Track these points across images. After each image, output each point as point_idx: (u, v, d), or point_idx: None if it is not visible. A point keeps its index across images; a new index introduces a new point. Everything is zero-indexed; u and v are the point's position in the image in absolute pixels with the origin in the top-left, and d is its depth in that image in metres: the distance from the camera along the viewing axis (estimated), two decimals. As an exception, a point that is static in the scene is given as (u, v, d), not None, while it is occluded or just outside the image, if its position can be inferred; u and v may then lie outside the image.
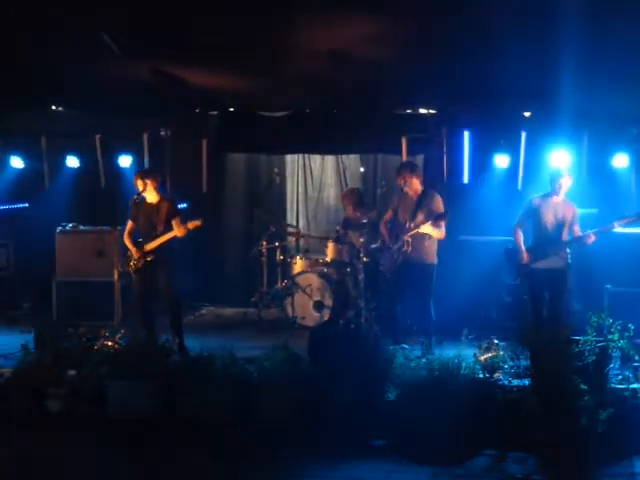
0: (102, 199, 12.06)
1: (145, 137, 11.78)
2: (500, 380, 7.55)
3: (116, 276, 10.90)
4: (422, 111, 11.33)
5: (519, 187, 10.78)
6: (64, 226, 11.50)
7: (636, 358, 7.40)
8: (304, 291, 10.93)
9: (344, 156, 13.11)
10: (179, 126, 11.87)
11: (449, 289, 9.86)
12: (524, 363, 7.45)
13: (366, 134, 11.39)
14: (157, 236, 9.04)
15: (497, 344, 8.04)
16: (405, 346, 8.77)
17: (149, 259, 9.08)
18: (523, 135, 10.75)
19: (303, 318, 10.86)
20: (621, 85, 8.85)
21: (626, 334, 7.16)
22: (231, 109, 11.78)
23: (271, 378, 7.56)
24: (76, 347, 8.30)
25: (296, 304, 10.95)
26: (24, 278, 12.23)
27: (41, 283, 11.55)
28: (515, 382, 7.45)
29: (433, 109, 11.22)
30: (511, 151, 10.88)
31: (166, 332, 9.05)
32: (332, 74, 9.11)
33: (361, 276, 9.93)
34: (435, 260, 9.23)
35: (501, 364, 7.69)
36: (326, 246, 11.18)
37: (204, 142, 12.00)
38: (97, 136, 11.80)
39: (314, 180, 13.41)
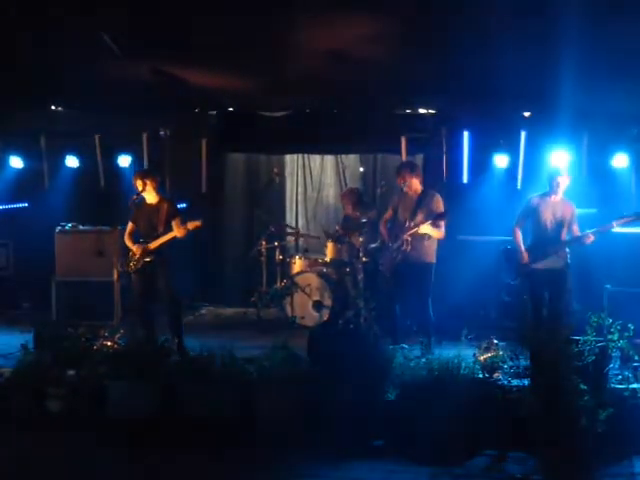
0: (102, 199, 12.07)
1: (145, 137, 11.78)
2: (500, 380, 7.54)
3: (116, 276, 10.91)
4: (422, 111, 11.33)
5: (518, 187, 10.79)
6: (64, 226, 11.51)
7: (636, 358, 7.40)
8: (303, 291, 10.94)
9: (344, 156, 13.12)
10: (179, 126, 11.87)
11: (448, 289, 9.87)
12: (524, 363, 7.45)
13: (366, 134, 11.39)
14: (157, 237, 9.04)
15: (497, 344, 8.05)
16: (404, 346, 8.79)
17: (148, 259, 9.08)
18: (523, 135, 10.76)
19: (302, 318, 10.87)
20: (621, 85, 8.85)
21: (626, 334, 7.16)
22: (230, 109, 11.78)
23: (270, 378, 7.55)
24: (76, 347, 8.30)
25: (295, 304, 10.96)
26: (24, 278, 12.23)
27: (41, 283, 11.55)
28: (515, 382, 7.45)
29: (433, 109, 11.22)
30: (511, 151, 10.89)
31: (166, 332, 9.05)
32: (332, 74, 9.11)
33: (360, 276, 9.93)
34: (434, 259, 9.23)
35: (501, 364, 7.68)
36: (325, 246, 11.19)
37: (203, 142, 12.00)
38: (96, 136, 11.80)
39: (314, 180, 13.41)
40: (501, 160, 10.95)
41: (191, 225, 8.95)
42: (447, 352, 7.97)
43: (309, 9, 7.22)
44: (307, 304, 10.94)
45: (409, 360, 7.77)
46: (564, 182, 8.90)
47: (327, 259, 11.14)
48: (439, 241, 9.25)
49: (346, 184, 13.03)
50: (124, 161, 11.95)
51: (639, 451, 6.76)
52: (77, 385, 7.88)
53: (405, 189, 9.28)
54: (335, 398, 7.20)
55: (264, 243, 11.53)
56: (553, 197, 8.94)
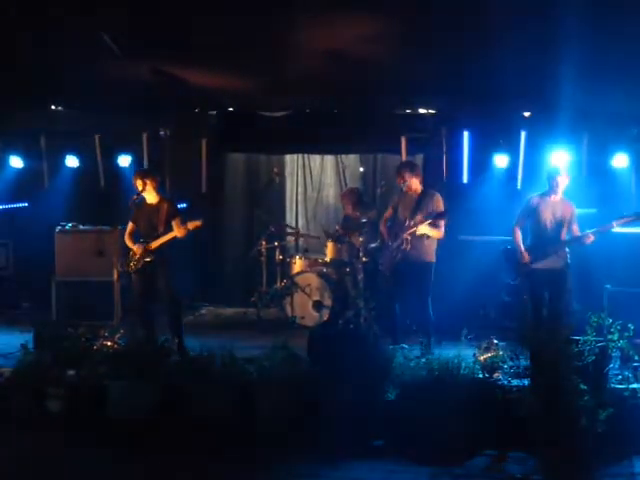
0: (101, 199, 12.08)
1: (144, 137, 11.78)
2: (500, 380, 7.54)
3: (116, 276, 10.90)
4: (422, 111, 11.33)
5: (518, 187, 10.79)
6: (64, 226, 11.50)
7: (636, 358, 7.40)
8: (303, 291, 10.94)
9: (344, 156, 13.12)
10: (178, 126, 11.87)
11: (448, 289, 9.86)
12: (524, 363, 7.45)
13: (366, 134, 11.39)
14: (158, 237, 9.03)
15: (496, 344, 8.05)
16: (404, 346, 8.78)
17: (149, 259, 9.07)
18: (523, 135, 10.76)
19: (302, 318, 10.87)
20: (621, 85, 8.85)
21: (626, 334, 7.15)
22: (230, 109, 11.78)
23: (271, 378, 7.55)
24: (76, 347, 8.30)
25: (295, 304, 10.96)
26: (24, 278, 12.24)
27: (41, 283, 11.55)
28: (515, 382, 7.44)
29: (433, 109, 11.22)
30: (511, 151, 10.89)
31: (166, 332, 9.05)
32: (332, 74, 9.11)
33: (360, 276, 9.93)
34: (434, 259, 9.23)
35: (501, 364, 7.68)
36: (325, 246, 11.19)
37: (203, 142, 12.00)
38: (96, 136, 11.80)
39: (313, 180, 13.41)
40: (501, 160, 10.95)
41: (191, 225, 8.94)
42: (447, 352, 7.97)
43: (309, 9, 7.22)
44: (307, 304, 10.94)
45: (409, 360, 7.77)
46: (563, 182, 8.90)
47: (327, 259, 11.14)
48: (439, 241, 9.25)
49: (346, 184, 13.03)
50: (124, 161, 11.95)
51: (639, 451, 6.76)
52: (77, 385, 7.88)
53: (405, 189, 9.28)
54: (335, 398, 7.20)
55: (264, 243, 11.53)
56: (553, 197, 8.94)
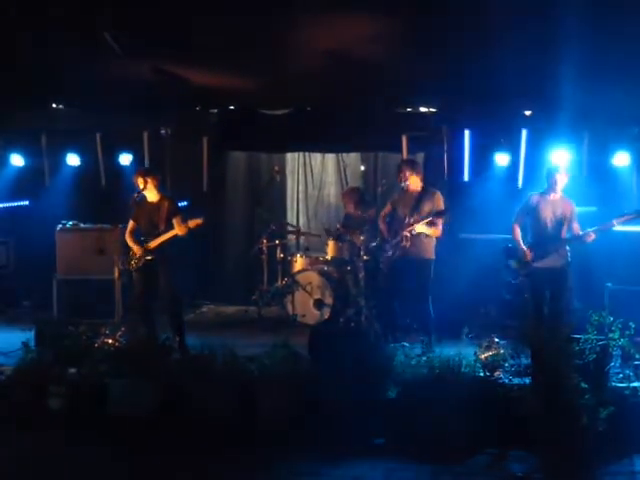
0: (102, 197, 12.07)
1: (146, 135, 11.78)
2: (501, 378, 7.55)
3: (116, 274, 10.90)
4: (423, 109, 11.32)
5: (519, 186, 10.78)
6: (64, 224, 11.51)
7: (637, 356, 7.42)
8: (304, 289, 10.94)
9: (344, 154, 13.11)
10: (179, 124, 11.86)
11: (449, 287, 9.86)
12: (525, 361, 7.46)
13: (366, 132, 11.38)
14: (158, 235, 9.04)
15: (497, 342, 8.06)
16: (405, 344, 8.79)
17: (150, 258, 9.08)
18: (524, 133, 10.75)
19: (303, 316, 10.88)
20: (622, 84, 8.84)
21: (627, 332, 7.18)
22: (231, 107, 11.77)
23: (272, 376, 7.56)
24: (77, 345, 8.31)
25: (296, 302, 10.96)
26: (24, 276, 12.23)
27: (42, 281, 11.55)
28: (516, 380, 7.46)
29: (434, 107, 11.22)
30: (512, 150, 10.87)
31: (167, 330, 9.05)
32: (332, 74, 9.10)
33: (361, 274, 9.95)
34: (433, 256, 9.24)
35: (501, 362, 7.69)
36: (326, 244, 11.19)
37: (204, 140, 12.00)
38: (97, 134, 11.80)
39: (314, 178, 13.41)
40: (502, 159, 10.94)
41: (192, 223, 8.94)
42: (448, 350, 7.98)
43: (309, 9, 7.22)
44: (308, 302, 10.94)
45: (410, 358, 7.78)
46: (562, 179, 8.90)
47: (328, 257, 11.14)
48: (440, 239, 9.26)
49: (347, 182, 13.03)
50: (125, 159, 11.94)
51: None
52: (78, 383, 7.90)
53: (405, 186, 9.29)
54: (336, 396, 7.21)
55: (265, 241, 11.53)
56: (552, 195, 8.94)
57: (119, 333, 8.77)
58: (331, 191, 13.36)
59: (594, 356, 7.03)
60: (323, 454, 6.81)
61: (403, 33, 7.81)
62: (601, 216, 9.25)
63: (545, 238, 8.91)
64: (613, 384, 7.24)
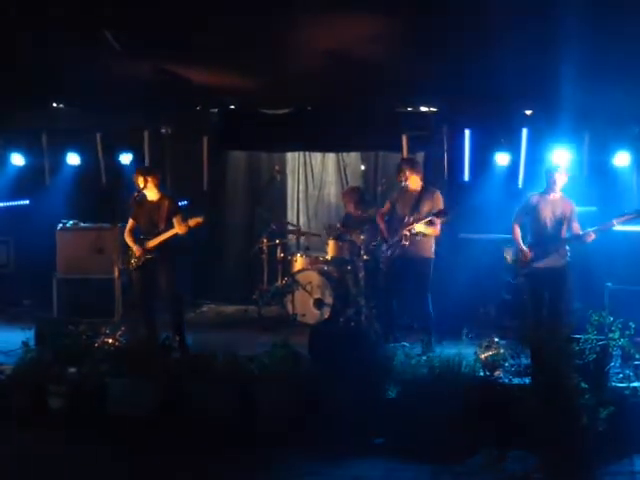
0: (103, 196, 12.07)
1: (146, 135, 11.78)
2: (500, 378, 7.56)
3: (117, 273, 10.92)
4: (423, 109, 11.31)
5: (520, 185, 10.77)
6: (65, 223, 11.52)
7: (637, 356, 7.41)
8: (304, 289, 10.93)
9: (345, 154, 13.10)
10: (180, 124, 11.86)
11: (449, 287, 9.87)
12: (524, 361, 7.46)
13: (367, 132, 11.37)
14: (158, 234, 9.04)
15: (497, 342, 8.05)
16: (405, 344, 8.79)
17: (150, 257, 9.08)
18: (524, 133, 10.74)
19: (303, 316, 10.87)
20: (622, 84, 8.84)
21: (627, 332, 7.18)
22: (232, 107, 11.77)
23: (271, 376, 7.56)
24: (77, 344, 8.32)
25: (296, 302, 10.96)
26: (25, 275, 12.22)
27: (42, 280, 11.55)
28: (515, 380, 7.46)
29: (434, 107, 11.21)
30: (512, 149, 10.87)
31: (167, 329, 9.05)
32: (332, 74, 9.10)
33: (361, 274, 9.96)
34: (432, 255, 9.26)
35: (501, 362, 7.69)
36: (327, 244, 11.19)
37: (205, 140, 12.00)
38: (98, 134, 11.79)
39: (315, 178, 13.39)
40: (502, 158, 10.93)
41: (192, 222, 8.94)
42: (448, 350, 7.99)
43: (309, 9, 7.22)
44: (308, 302, 10.93)
45: (410, 358, 7.77)
46: (561, 179, 8.90)
47: (328, 257, 11.14)
48: (440, 239, 9.26)
49: (347, 182, 13.02)
50: (125, 159, 11.94)
51: (639, 450, 6.77)
52: (78, 382, 7.90)
53: (405, 186, 9.29)
54: (336, 396, 7.22)
55: (265, 241, 11.53)
56: (552, 195, 8.94)
57: (119, 332, 8.76)
58: (331, 191, 13.35)
59: (594, 356, 7.03)
60: (323, 454, 6.81)
61: (403, 33, 7.80)
62: (601, 216, 9.25)
63: (545, 238, 8.91)
64: (613, 384, 7.24)
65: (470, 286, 10.12)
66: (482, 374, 7.56)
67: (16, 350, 8.58)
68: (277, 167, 12.44)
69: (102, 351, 8.31)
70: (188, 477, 6.60)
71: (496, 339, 8.09)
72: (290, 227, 12.27)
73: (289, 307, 11.01)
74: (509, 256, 9.21)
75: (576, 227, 8.90)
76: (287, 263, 11.73)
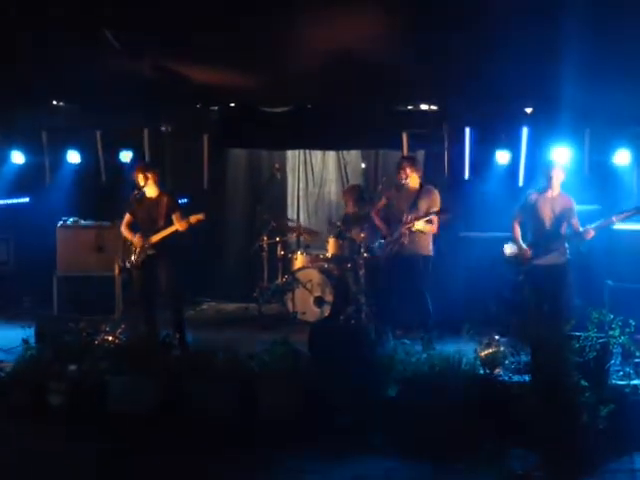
0: (103, 194, 12.05)
1: (146, 133, 11.75)
2: (501, 376, 7.56)
3: (117, 271, 10.89)
4: (423, 107, 11.30)
5: (520, 184, 10.75)
6: (65, 221, 11.53)
7: (637, 354, 7.41)
8: (305, 286, 10.94)
9: (345, 152, 13.10)
10: (180, 122, 11.84)
11: (449, 285, 9.87)
12: (525, 359, 7.47)
13: (367, 130, 11.36)
14: (158, 231, 9.02)
15: (497, 340, 8.05)
16: (406, 341, 8.78)
17: (150, 253, 9.07)
18: (524, 131, 10.73)
19: (304, 313, 10.87)
20: (623, 82, 8.83)
21: (627, 330, 7.18)
22: (232, 105, 11.76)
23: (272, 373, 7.57)
24: (77, 342, 8.32)
25: (297, 299, 10.96)
26: (25, 273, 12.21)
27: (42, 278, 11.55)
28: (516, 378, 7.47)
29: (434, 105, 11.20)
30: (512, 147, 10.84)
31: (167, 327, 9.05)
32: (332, 74, 9.09)
33: (362, 272, 9.95)
34: (431, 252, 9.28)
35: (502, 360, 7.70)
36: (327, 242, 11.19)
37: (205, 138, 11.97)
38: (98, 132, 11.78)
39: (315, 176, 13.40)
40: (503, 157, 10.91)
41: (193, 218, 8.94)
42: (448, 348, 7.99)
43: (309, 9, 7.21)
44: (308, 300, 10.94)
45: (410, 356, 7.77)
46: (558, 175, 8.90)
47: (328, 255, 11.14)
48: (440, 237, 9.27)
49: (348, 180, 13.03)
50: (125, 157, 11.92)
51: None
52: (78, 380, 7.90)
53: (404, 183, 9.29)
54: (336, 394, 7.21)
55: (265, 239, 11.53)
56: (550, 192, 8.95)
57: (119, 330, 8.76)
58: (332, 189, 13.35)
59: (594, 354, 7.04)
60: (323, 452, 6.81)
61: (403, 33, 7.80)
62: (602, 215, 9.24)
63: (544, 236, 8.91)
64: (613, 382, 7.25)
65: (470, 284, 10.14)
66: (482, 372, 7.56)
67: (16, 348, 8.58)
68: (277, 165, 12.43)
69: (102, 349, 8.30)
70: (188, 476, 6.59)
71: (496, 337, 8.09)
72: (290, 224, 12.27)
73: (289, 305, 11.02)
74: (509, 249, 9.20)
75: (576, 224, 8.90)
76: (287, 261, 11.73)
